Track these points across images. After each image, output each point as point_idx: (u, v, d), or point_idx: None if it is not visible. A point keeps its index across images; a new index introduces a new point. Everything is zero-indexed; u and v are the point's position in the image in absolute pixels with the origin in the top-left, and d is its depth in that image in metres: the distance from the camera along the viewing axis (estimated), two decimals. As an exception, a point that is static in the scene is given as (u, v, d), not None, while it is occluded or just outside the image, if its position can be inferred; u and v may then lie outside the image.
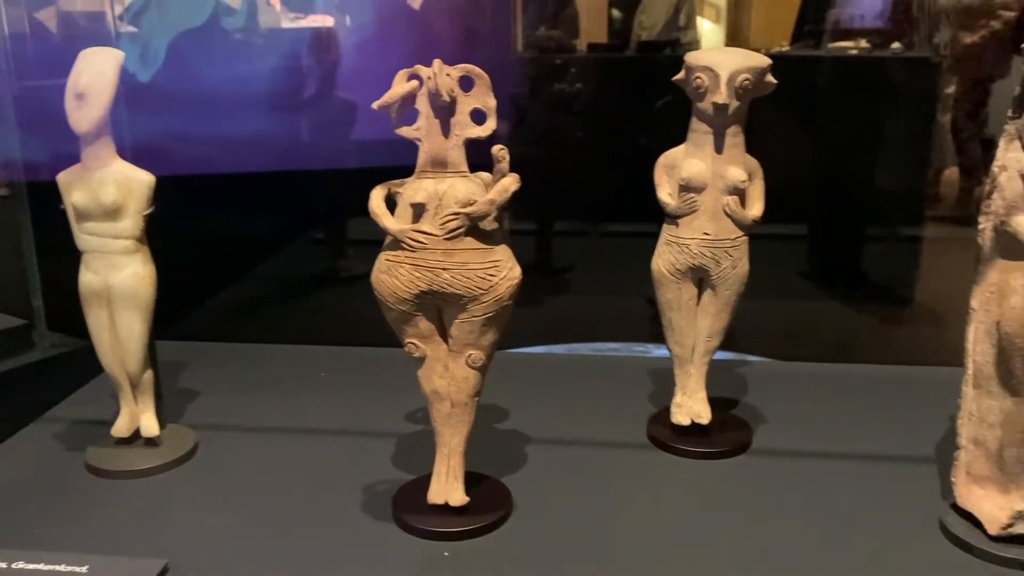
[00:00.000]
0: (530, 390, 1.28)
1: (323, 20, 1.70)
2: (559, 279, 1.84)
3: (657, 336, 1.12)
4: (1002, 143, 0.84)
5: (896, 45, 1.78)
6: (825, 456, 1.09)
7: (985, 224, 0.86)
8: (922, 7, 1.76)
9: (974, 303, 0.88)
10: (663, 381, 1.11)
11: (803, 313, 1.71)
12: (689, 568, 0.88)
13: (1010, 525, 0.87)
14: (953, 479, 0.93)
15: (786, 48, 1.87)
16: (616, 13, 1.88)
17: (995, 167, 0.84)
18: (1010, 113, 0.83)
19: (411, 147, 0.89)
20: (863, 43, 1.81)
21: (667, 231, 1.06)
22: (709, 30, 1.88)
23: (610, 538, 0.93)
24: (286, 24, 1.70)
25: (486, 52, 1.75)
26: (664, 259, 1.06)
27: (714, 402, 1.16)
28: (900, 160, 1.72)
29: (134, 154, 1.05)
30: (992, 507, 0.89)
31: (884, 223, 1.83)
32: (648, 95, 1.70)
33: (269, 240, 1.78)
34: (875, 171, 1.75)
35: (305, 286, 1.78)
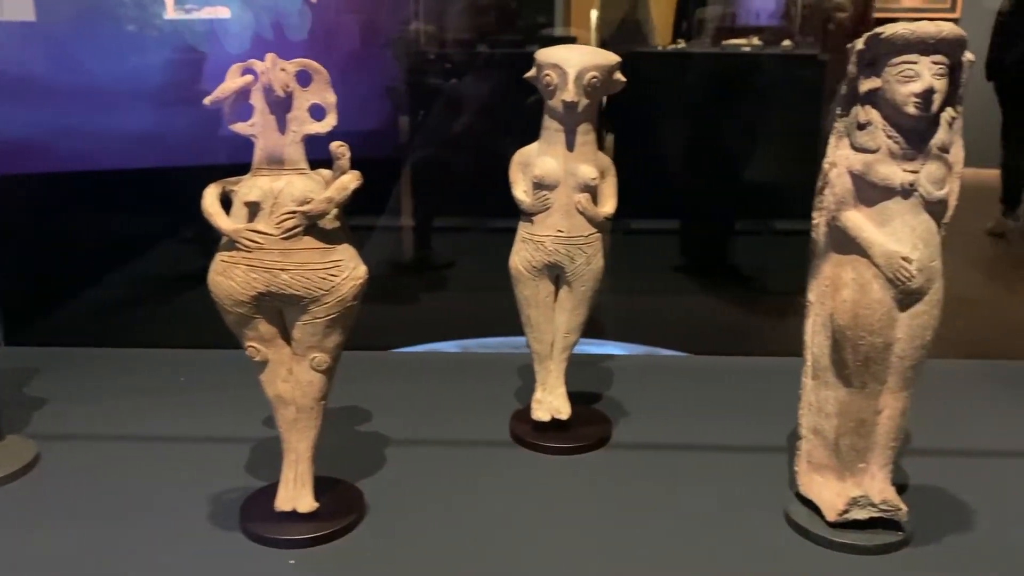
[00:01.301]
0: (396, 390, 1.27)
1: (218, 12, 1.64)
2: (439, 276, 1.83)
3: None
4: (832, 140, 0.86)
5: (787, 43, 1.83)
6: (682, 448, 1.11)
7: (819, 219, 0.88)
8: (807, 5, 1.81)
9: (811, 296, 0.91)
10: (531, 378, 1.11)
11: (675, 306, 1.75)
12: (544, 565, 0.88)
13: (846, 511, 0.90)
14: (796, 468, 0.96)
15: (681, 45, 1.91)
16: (505, 8, 1.88)
17: (826, 164, 0.86)
18: (838, 111, 0.85)
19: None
20: (756, 40, 1.86)
21: (523, 228, 1.06)
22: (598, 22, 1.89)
23: (464, 538, 0.92)
24: (175, 16, 1.64)
25: (374, 45, 1.73)
26: (520, 256, 1.06)
27: (576, 397, 1.17)
28: (787, 155, 1.77)
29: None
30: (830, 494, 0.91)
31: (764, 217, 1.88)
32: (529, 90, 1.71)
33: (136, 240, 1.71)
34: (759, 166, 1.79)
35: (172, 287, 1.72)
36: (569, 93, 0.97)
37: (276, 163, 0.85)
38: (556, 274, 1.06)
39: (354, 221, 0.88)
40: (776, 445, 1.09)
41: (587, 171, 1.01)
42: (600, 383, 1.28)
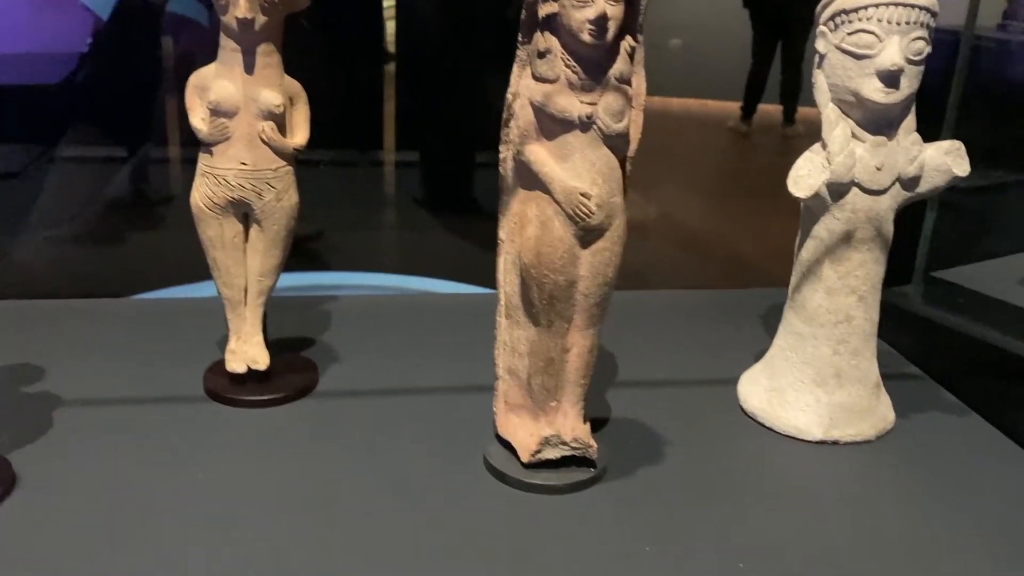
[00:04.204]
0: (82, 342, 1.14)
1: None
2: (155, 212, 1.67)
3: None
4: (515, 70, 0.81)
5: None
6: (391, 393, 1.06)
7: (505, 153, 0.84)
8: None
9: (502, 234, 0.87)
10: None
11: (413, 241, 1.69)
12: (232, 527, 0.81)
13: (539, 451, 0.88)
14: (495, 409, 0.94)
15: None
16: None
17: (509, 94, 0.82)
18: (521, 38, 0.80)
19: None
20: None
21: (203, 161, 0.95)
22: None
23: (143, 500, 0.83)
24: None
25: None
26: (201, 192, 0.95)
27: (285, 344, 1.09)
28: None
29: None
30: (525, 435, 0.90)
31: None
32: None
33: None
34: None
35: None
36: (241, 8, 0.87)
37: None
38: (244, 212, 0.96)
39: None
40: (488, 385, 1.06)
41: (270, 97, 0.92)
42: (313, 327, 1.21)
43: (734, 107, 2.19)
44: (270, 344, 1.03)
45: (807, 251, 0.97)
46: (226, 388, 1.02)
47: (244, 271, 0.99)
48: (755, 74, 2.15)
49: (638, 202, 2.09)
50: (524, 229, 0.82)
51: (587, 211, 0.79)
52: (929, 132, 0.95)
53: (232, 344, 1.01)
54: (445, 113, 1.72)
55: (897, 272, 1.48)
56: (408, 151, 1.79)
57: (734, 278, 1.90)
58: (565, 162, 0.79)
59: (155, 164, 1.67)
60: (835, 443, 0.99)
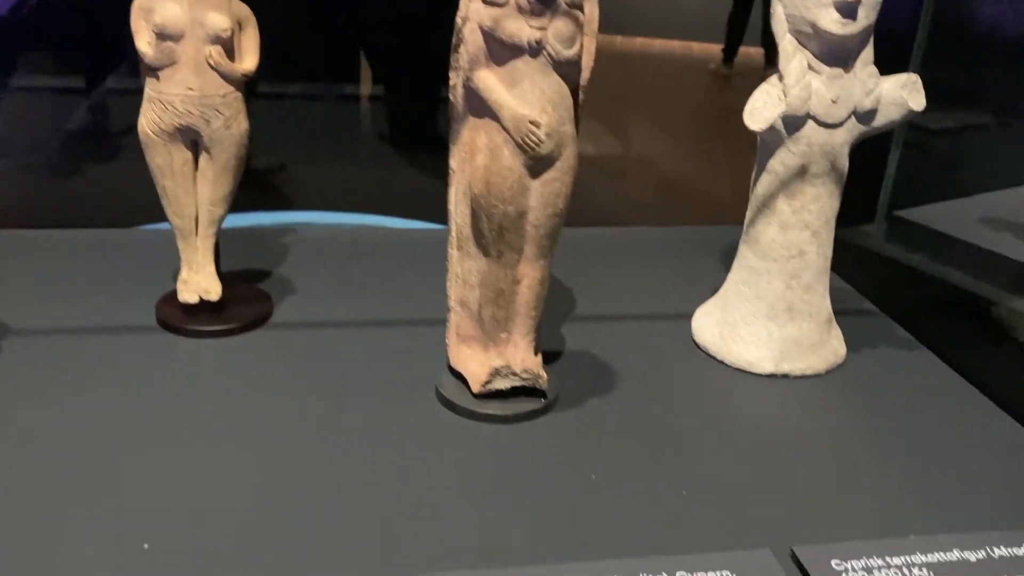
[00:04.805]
0: (37, 274, 1.12)
1: None
2: (115, 142, 1.64)
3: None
4: (464, -7, 0.80)
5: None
6: (346, 325, 1.06)
7: (455, 80, 0.82)
8: None
9: (453, 164, 0.86)
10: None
11: (377, 178, 1.68)
12: (182, 456, 0.81)
13: (489, 382, 0.89)
14: (447, 341, 0.94)
15: None
16: None
17: (459, 19, 0.80)
18: (471, -39, 0.78)
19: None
20: None
21: (150, 86, 0.93)
22: None
23: (91, 430, 0.83)
24: None
25: None
26: (148, 118, 0.93)
27: (238, 275, 1.08)
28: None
29: None
30: (476, 366, 0.90)
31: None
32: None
33: None
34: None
35: None
36: (184, -74, 0.84)
37: None
38: (193, 139, 0.95)
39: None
40: (440, 319, 1.06)
41: (217, 20, 0.89)
42: (269, 260, 1.19)
43: (718, 49, 2.17)
44: (224, 275, 1.02)
45: (762, 185, 0.97)
46: (178, 318, 1.01)
47: (194, 200, 0.98)
48: (735, 15, 2.12)
49: (615, 142, 2.08)
50: (474, 158, 0.81)
51: (536, 139, 0.78)
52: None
53: (184, 274, 1.00)
54: (411, 47, 1.69)
55: (859, 211, 1.48)
56: (375, 85, 1.76)
57: (710, 219, 1.90)
58: (514, 88, 0.78)
59: (114, 95, 1.63)
60: (785, 376, 1.00)
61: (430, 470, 0.82)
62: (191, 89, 0.91)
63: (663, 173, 2.15)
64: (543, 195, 0.81)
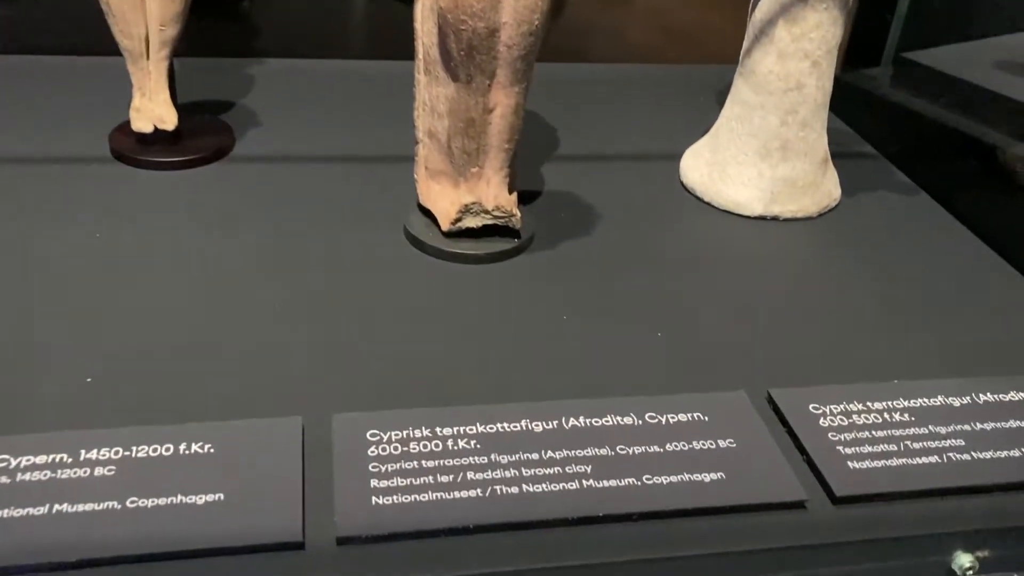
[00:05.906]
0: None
1: None
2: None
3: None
4: None
5: None
6: (311, 160, 1.00)
7: None
8: None
9: (419, -25, 0.78)
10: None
11: (352, 11, 1.57)
12: (134, 287, 0.77)
13: (459, 219, 0.84)
14: (416, 177, 0.88)
15: None
16: None
17: None
18: None
19: None
20: None
21: None
22: None
23: (41, 260, 0.79)
24: None
25: None
26: (84, -77, 0.84)
27: (198, 106, 1.02)
28: None
29: None
30: (445, 203, 0.84)
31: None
32: None
33: None
34: None
35: None
36: None
37: None
38: (137, -51, 0.86)
39: None
40: (410, 155, 1.00)
41: None
42: (231, 90, 1.12)
43: None
44: (182, 105, 0.96)
45: (761, 10, 0.89)
46: (133, 149, 0.95)
47: (143, 19, 0.89)
48: None
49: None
50: (441, -33, 0.73)
51: (508, -56, 0.70)
52: None
53: (136, 101, 0.93)
54: None
55: (865, 52, 1.39)
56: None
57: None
58: None
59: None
60: (775, 219, 0.95)
61: (395, 309, 0.78)
62: None
63: (668, 15, 2.02)
64: (516, 10, 0.73)
